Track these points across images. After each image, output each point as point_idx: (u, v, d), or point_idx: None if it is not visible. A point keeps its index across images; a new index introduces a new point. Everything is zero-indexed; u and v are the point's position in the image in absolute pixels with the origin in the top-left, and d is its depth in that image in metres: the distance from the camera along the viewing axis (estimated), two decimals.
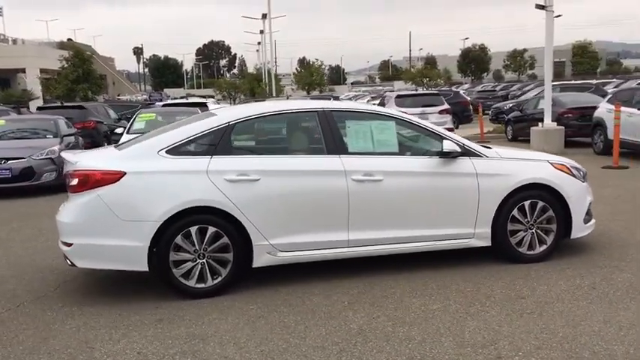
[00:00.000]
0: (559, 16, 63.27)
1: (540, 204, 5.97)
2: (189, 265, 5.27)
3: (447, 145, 5.74)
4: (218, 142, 5.47)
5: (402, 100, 17.89)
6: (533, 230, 5.99)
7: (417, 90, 30.01)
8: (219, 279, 5.34)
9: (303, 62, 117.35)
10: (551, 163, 6.17)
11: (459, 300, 5.02)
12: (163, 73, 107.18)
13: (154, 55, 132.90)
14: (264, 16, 45.00)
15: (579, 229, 6.14)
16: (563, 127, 16.19)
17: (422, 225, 5.76)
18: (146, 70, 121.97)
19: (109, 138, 17.25)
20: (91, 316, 5.01)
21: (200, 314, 4.93)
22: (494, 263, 5.93)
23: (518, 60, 70.21)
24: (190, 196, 5.26)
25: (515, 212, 5.92)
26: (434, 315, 4.71)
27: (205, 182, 5.30)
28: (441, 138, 5.87)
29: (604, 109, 15.42)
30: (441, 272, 5.75)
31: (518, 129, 19.64)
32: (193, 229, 5.24)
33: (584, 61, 61.34)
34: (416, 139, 6.04)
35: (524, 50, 74.63)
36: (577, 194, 6.11)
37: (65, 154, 5.69)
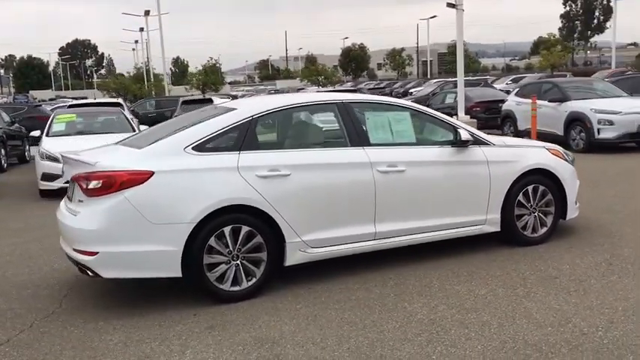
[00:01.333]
0: (434, 16, 66.24)
1: (541, 188, 6.27)
2: (223, 267, 4.99)
3: (464, 135, 5.86)
4: (244, 137, 5.22)
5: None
6: (536, 214, 6.27)
7: (319, 89, 30.28)
8: (254, 281, 5.10)
9: (177, 62, 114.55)
10: (547, 149, 6.49)
11: (499, 284, 5.15)
12: (27, 74, 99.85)
13: (10, 56, 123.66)
14: (146, 12, 43.35)
15: (572, 211, 6.51)
16: (475, 120, 17.02)
17: (441, 214, 5.84)
18: (0, 71, 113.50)
19: (5, 143, 15.94)
20: (128, 329, 4.60)
21: (249, 318, 4.68)
22: (497, 248, 6.12)
23: (397, 59, 73.09)
24: (224, 195, 4.98)
25: (520, 197, 6.16)
26: (488, 300, 4.79)
27: (237, 179, 5.04)
28: (453, 127, 5.98)
29: (512, 102, 16.46)
30: (459, 259, 5.86)
31: None
32: (227, 230, 4.97)
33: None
34: (429, 129, 6.10)
35: (402, 49, 77.79)
36: (570, 178, 6.48)
37: (78, 155, 5.18)
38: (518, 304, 4.66)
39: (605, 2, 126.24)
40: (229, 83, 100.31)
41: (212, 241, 4.92)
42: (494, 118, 17.73)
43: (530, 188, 6.20)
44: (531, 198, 6.23)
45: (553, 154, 6.48)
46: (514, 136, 16.07)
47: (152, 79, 47.33)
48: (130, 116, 13.19)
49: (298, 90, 40.71)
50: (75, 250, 4.91)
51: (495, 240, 6.22)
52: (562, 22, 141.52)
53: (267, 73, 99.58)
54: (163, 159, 4.94)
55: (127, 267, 4.84)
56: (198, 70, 44.97)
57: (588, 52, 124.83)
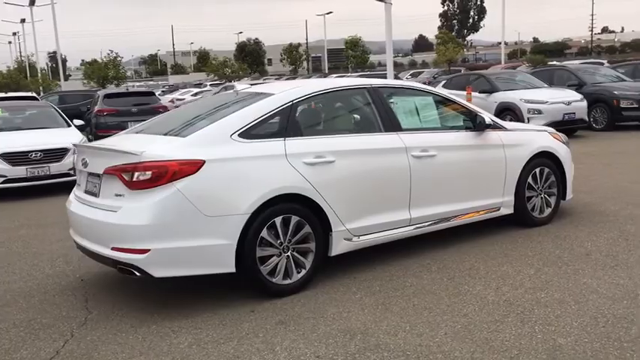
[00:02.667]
0: (330, 12, 66.86)
1: (546, 170, 6.49)
2: (275, 260, 4.74)
3: (487, 119, 5.94)
4: (287, 123, 4.99)
5: None
6: (542, 195, 6.49)
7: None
8: (303, 272, 4.89)
9: (54, 57, 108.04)
10: (549, 133, 6.73)
11: (541, 263, 5.25)
12: None
13: None
14: (32, 2, 40.45)
15: (570, 192, 6.80)
16: None
17: (467, 198, 5.90)
18: None
19: None
20: (190, 330, 4.25)
21: (315, 311, 4.47)
22: (505, 230, 6.27)
23: (294, 54, 73.20)
24: (276, 183, 4.73)
25: (529, 179, 6.35)
26: (544, 279, 4.86)
27: (286, 167, 4.81)
28: (473, 112, 6.04)
29: None
30: (480, 241, 5.94)
31: None
32: (278, 220, 4.72)
33: (357, 55, 66.43)
34: (451, 114, 6.12)
35: (299, 45, 77.96)
36: (569, 160, 6.76)
37: (114, 145, 4.71)
38: (576, 282, 4.78)
39: (479, 3, 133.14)
40: None
41: (264, 233, 4.66)
42: None
43: (537, 170, 6.41)
44: (538, 180, 6.43)
45: (554, 137, 6.72)
46: None
47: (39, 74, 44.35)
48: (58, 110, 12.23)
49: (197, 85, 39.75)
50: (117, 249, 4.45)
51: (494, 223, 6.34)
52: (441, 20, 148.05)
53: (156, 68, 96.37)
54: (211, 147, 4.61)
55: (180, 264, 4.47)
56: (98, 63, 42.58)
57: (464, 50, 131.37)
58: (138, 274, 4.43)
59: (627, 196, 7.57)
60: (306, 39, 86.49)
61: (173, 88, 39.59)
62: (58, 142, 9.90)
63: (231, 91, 5.78)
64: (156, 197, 4.36)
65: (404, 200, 5.44)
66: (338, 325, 4.20)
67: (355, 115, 5.63)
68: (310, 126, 5.33)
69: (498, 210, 6.16)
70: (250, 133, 4.79)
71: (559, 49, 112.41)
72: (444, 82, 17.49)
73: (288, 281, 4.80)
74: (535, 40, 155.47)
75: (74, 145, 5.34)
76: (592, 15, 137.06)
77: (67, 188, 6.37)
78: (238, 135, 4.73)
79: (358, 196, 5.14)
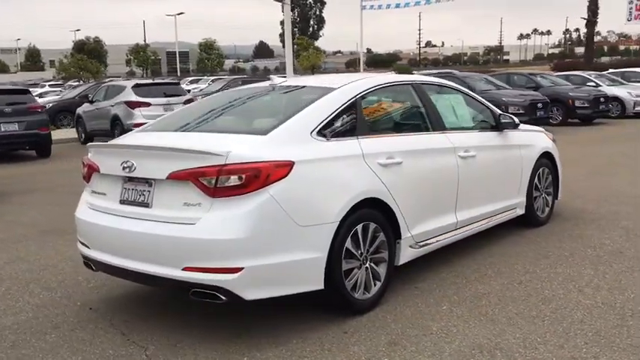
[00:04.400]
0: (181, 13, 64.74)
1: (546, 170, 6.60)
2: (356, 272, 4.26)
3: (516, 119, 5.88)
4: (356, 120, 4.52)
5: (141, 89, 16.33)
6: (543, 195, 6.59)
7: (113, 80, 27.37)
8: (379, 285, 4.45)
9: None
10: (544, 133, 6.84)
11: (586, 262, 5.27)
12: None
13: None
14: None
15: (560, 192, 6.98)
16: None
17: (496, 198, 5.80)
18: None
19: None
20: (279, 353, 3.65)
21: (415, 326, 4.06)
22: (509, 231, 6.30)
23: (142, 55, 69.60)
24: (359, 187, 4.26)
25: (535, 179, 6.41)
26: (611, 278, 4.86)
27: (365, 169, 4.35)
28: (495, 111, 5.95)
29: None
30: (497, 245, 5.88)
31: None
32: (359, 228, 4.25)
33: (212, 58, 64.75)
34: (478, 113, 5.95)
35: (147, 45, 74.42)
36: (559, 160, 6.93)
37: (187, 144, 3.91)
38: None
39: (318, 12, 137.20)
40: None
41: (348, 243, 4.16)
42: None
43: (540, 171, 6.48)
44: (541, 180, 6.52)
45: (549, 137, 6.86)
46: None
47: None
48: None
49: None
50: (193, 269, 3.70)
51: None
52: (282, 28, 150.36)
53: None
54: (296, 146, 4.02)
55: (273, 283, 3.83)
56: None
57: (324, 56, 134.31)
58: (223, 298, 3.71)
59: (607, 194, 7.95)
60: (144, 40, 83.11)
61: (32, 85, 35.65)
62: None
63: (267, 84, 5.13)
64: (248, 205, 3.69)
65: (452, 203, 5.19)
66: (460, 341, 3.82)
67: (410, 113, 5.27)
68: (375, 123, 4.88)
69: (514, 210, 6.13)
70: (326, 131, 4.27)
71: (391, 60, 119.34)
72: None
73: (367, 295, 4.34)
74: (369, 50, 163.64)
75: (91, 145, 4.38)
76: (419, 30, 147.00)
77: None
78: (316, 133, 4.19)
79: (419, 200, 4.81)
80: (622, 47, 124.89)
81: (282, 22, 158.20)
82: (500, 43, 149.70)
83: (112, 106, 16.60)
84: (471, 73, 21.90)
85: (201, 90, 27.75)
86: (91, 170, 4.40)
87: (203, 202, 3.73)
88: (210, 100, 5.36)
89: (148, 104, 15.98)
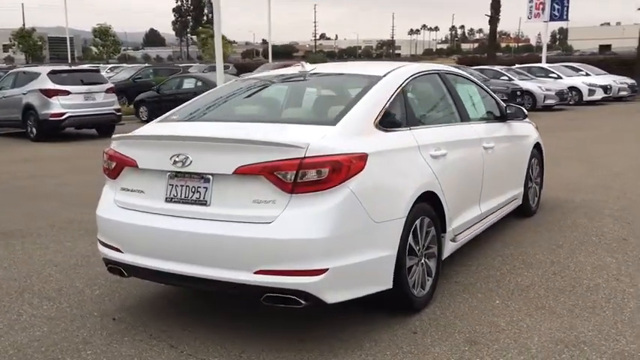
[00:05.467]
0: None
1: (536, 160, 6.72)
2: (415, 269, 4.08)
3: (524, 109, 5.89)
4: (405, 110, 4.32)
5: (57, 76, 15.10)
6: (534, 185, 6.70)
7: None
8: (430, 281, 4.30)
9: None
10: (531, 124, 6.94)
11: (585, 252, 5.34)
12: None
13: None
14: None
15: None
16: None
17: (507, 189, 5.82)
18: None
19: None
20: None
21: (483, 323, 3.94)
22: (506, 222, 6.38)
23: (28, 40, 64.48)
24: (420, 180, 4.09)
25: (530, 169, 6.51)
26: (612, 264, 5.00)
27: (421, 161, 4.18)
28: (499, 102, 5.94)
29: None
30: (505, 235, 5.91)
31: (157, 109, 19.19)
32: (418, 223, 4.06)
33: (107, 45, 61.14)
34: (487, 104, 5.90)
35: (33, 29, 69.09)
36: (544, 150, 7.08)
37: (256, 135, 3.53)
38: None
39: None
40: None
41: (410, 239, 3.97)
42: None
43: (533, 161, 6.59)
44: (533, 170, 6.62)
45: (534, 127, 6.97)
46: None
47: None
48: None
49: None
50: (269, 272, 3.36)
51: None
52: (175, 15, 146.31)
53: None
54: (364, 137, 3.77)
55: (352, 284, 3.56)
56: None
57: (194, 46, 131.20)
58: (303, 302, 3.40)
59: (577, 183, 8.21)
60: (23, 24, 77.39)
61: None
62: None
63: (297, 71, 4.77)
64: (330, 201, 3.40)
65: (478, 195, 5.13)
66: (538, 337, 3.72)
67: (443, 103, 5.11)
68: (419, 113, 4.68)
69: (517, 201, 6.18)
70: (385, 121, 4.03)
71: (288, 52, 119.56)
72: None
73: (422, 292, 4.17)
74: (264, 41, 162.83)
75: (121, 136, 3.86)
76: (315, 22, 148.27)
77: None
78: (378, 123, 3.95)
79: (458, 193, 4.68)
80: (503, 45, 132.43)
81: (174, 10, 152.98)
82: (393, 37, 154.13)
83: (24, 94, 15.29)
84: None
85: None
86: (122, 164, 3.91)
87: (278, 198, 3.39)
88: (236, 89, 4.94)
89: (66, 92, 14.85)
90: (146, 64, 31.19)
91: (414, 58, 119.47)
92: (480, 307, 4.20)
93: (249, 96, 4.64)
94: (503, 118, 5.86)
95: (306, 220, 3.36)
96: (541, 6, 27.73)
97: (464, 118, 5.10)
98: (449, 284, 4.63)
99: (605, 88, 23.40)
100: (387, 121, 4.03)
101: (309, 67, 4.72)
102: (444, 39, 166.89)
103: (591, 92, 22.75)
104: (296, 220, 3.36)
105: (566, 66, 25.65)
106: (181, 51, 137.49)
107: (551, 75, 23.49)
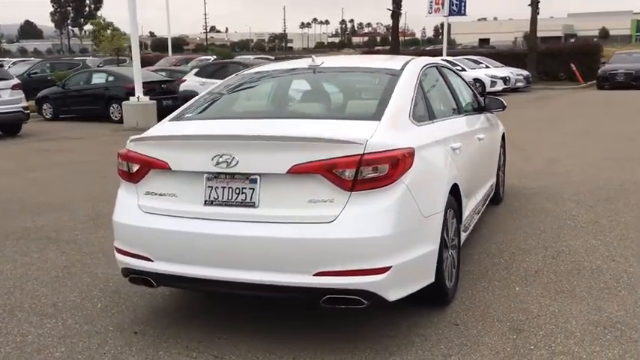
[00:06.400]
0: None
1: (502, 150, 6.95)
2: (447, 261, 4.10)
3: (504, 101, 6.06)
4: (426, 104, 4.31)
5: None
6: (501, 173, 6.94)
7: None
8: (454, 272, 4.33)
9: None
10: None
11: (568, 236, 5.62)
12: None
13: None
14: None
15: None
16: (155, 102, 16.05)
17: (488, 179, 5.96)
18: None
19: None
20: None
21: (517, 310, 4.02)
22: (486, 211, 6.59)
23: None
24: (450, 173, 4.14)
25: (500, 159, 6.73)
26: (599, 247, 5.28)
27: (448, 154, 4.21)
28: (476, 93, 6.07)
29: (196, 83, 16.17)
30: (487, 223, 6.09)
31: (62, 106, 18.15)
32: (449, 215, 4.08)
33: None
34: (468, 96, 5.98)
35: None
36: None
37: (310, 132, 3.36)
38: (632, 246, 5.25)
39: None
40: None
41: (444, 232, 3.98)
42: (160, 99, 16.94)
43: (500, 150, 6.81)
44: (500, 159, 6.85)
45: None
46: None
47: None
48: None
49: None
50: (329, 273, 3.24)
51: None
52: (53, 6, 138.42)
53: None
54: (408, 132, 3.74)
55: (409, 280, 3.52)
56: None
57: (75, 39, 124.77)
58: (365, 302, 3.32)
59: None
60: None
61: None
62: None
63: (306, 65, 4.58)
64: (390, 198, 3.33)
65: (476, 186, 5.23)
66: (575, 320, 3.83)
67: (445, 95, 5.11)
68: (435, 107, 4.63)
69: (493, 190, 6.36)
70: (415, 115, 4.00)
71: (178, 45, 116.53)
72: (197, 70, 16.70)
73: (450, 284, 4.20)
74: (152, 34, 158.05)
75: (143, 137, 3.55)
76: (205, 14, 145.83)
77: None
78: (412, 117, 3.92)
79: (467, 184, 4.74)
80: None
81: (53, 0, 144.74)
82: (284, 30, 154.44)
83: None
84: (263, 60, 21.40)
85: None
86: (148, 167, 3.62)
87: (336, 197, 3.28)
88: (251, 84, 4.73)
89: None
90: (41, 59, 29.29)
91: (306, 51, 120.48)
92: (505, 295, 4.29)
93: (273, 91, 4.46)
94: (481, 109, 6.00)
95: (369, 218, 3.27)
96: (441, 1, 28.74)
97: (460, 110, 5.18)
98: (461, 273, 4.68)
99: (505, 80, 24.70)
100: (417, 115, 4.01)
101: (318, 60, 4.59)
102: (334, 32, 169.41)
103: (493, 84, 23.95)
104: (358, 218, 3.26)
105: (468, 59, 26.80)
106: (62, 44, 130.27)
107: (455, 68, 24.39)
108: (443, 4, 28.63)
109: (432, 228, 3.68)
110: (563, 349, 3.49)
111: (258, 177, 3.38)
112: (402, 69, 4.33)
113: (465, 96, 5.66)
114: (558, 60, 29.60)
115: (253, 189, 3.39)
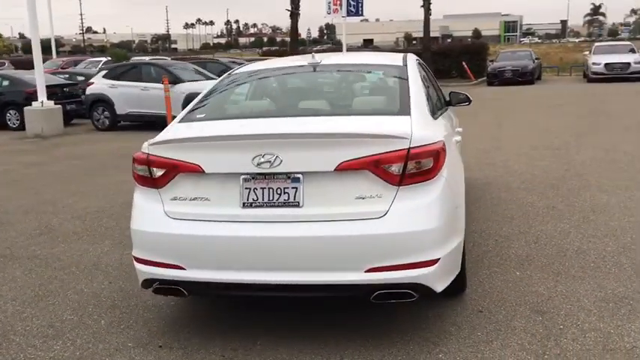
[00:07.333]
0: None
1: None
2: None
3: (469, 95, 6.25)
4: (429, 98, 4.38)
5: None
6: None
7: None
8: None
9: None
10: None
11: (537, 222, 5.95)
12: None
13: None
14: None
15: None
16: (60, 106, 15.15)
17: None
18: None
19: None
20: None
21: (536, 305, 4.20)
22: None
23: None
24: (461, 165, 4.24)
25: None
26: (570, 230, 5.62)
27: (455, 146, 4.31)
28: (441, 89, 6.24)
29: (104, 85, 15.42)
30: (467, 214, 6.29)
31: None
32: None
33: None
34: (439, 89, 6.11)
35: None
36: None
37: (372, 126, 3.28)
38: (601, 227, 5.62)
39: None
40: None
41: None
42: (64, 104, 15.99)
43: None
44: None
45: None
46: (111, 121, 15.26)
47: None
48: None
49: None
50: (380, 268, 3.22)
51: None
52: None
53: None
54: (432, 126, 3.78)
55: (450, 271, 3.56)
56: None
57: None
58: (416, 295, 3.33)
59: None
60: None
61: None
62: None
63: (306, 62, 4.45)
64: (435, 191, 3.35)
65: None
66: (586, 299, 4.04)
67: (434, 89, 5.19)
68: (433, 101, 4.67)
69: None
70: (430, 110, 4.06)
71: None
72: (105, 72, 15.90)
73: (463, 272, 4.30)
74: (22, 35, 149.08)
75: (159, 140, 3.34)
76: (81, 15, 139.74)
77: None
78: (431, 112, 3.99)
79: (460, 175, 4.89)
80: (278, 39, 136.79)
81: None
82: (168, 31, 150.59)
83: None
84: (176, 62, 20.14)
85: None
86: (176, 171, 3.42)
87: (384, 192, 3.26)
88: (260, 82, 4.60)
89: None
90: None
91: (192, 52, 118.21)
92: (511, 280, 4.45)
93: (289, 89, 4.35)
94: (449, 103, 6.17)
95: (417, 211, 3.28)
96: (339, 2, 29.22)
97: (442, 104, 5.31)
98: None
99: None
100: (430, 110, 4.07)
101: (318, 57, 4.53)
102: (220, 33, 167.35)
103: None
104: (407, 212, 3.26)
105: None
106: None
107: None
108: (341, 5, 29.09)
109: (461, 218, 3.76)
110: (590, 326, 3.68)
111: (301, 176, 3.30)
112: (405, 65, 4.38)
113: (438, 90, 5.80)
114: (450, 59, 30.98)
115: (296, 188, 3.30)
